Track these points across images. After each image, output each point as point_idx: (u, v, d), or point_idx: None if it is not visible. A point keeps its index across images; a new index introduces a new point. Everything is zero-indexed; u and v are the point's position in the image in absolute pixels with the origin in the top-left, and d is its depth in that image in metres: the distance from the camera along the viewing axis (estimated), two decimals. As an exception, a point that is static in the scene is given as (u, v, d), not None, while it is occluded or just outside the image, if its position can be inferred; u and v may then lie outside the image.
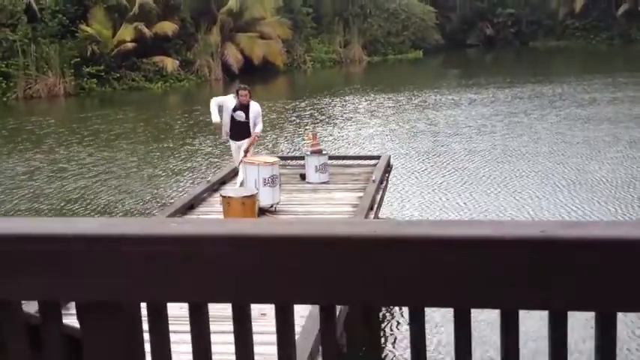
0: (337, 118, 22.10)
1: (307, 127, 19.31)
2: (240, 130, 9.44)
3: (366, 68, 42.21)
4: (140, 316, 1.30)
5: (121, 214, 11.75)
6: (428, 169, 14.37)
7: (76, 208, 12.21)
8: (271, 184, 8.14)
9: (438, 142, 17.60)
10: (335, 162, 10.79)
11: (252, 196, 7.40)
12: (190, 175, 14.62)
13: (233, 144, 9.74)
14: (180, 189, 13.28)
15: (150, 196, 12.95)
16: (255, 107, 9.59)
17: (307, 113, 22.75)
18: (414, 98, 26.04)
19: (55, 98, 27.62)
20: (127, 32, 30.10)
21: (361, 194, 8.78)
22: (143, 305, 1.26)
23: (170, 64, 31.23)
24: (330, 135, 18.88)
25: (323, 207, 8.58)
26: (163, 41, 31.39)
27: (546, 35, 53.55)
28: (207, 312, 1.30)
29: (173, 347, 1.22)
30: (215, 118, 9.41)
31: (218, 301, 1.21)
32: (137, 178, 14.49)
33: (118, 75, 29.78)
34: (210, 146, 17.50)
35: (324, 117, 22.32)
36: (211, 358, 1.28)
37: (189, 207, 8.48)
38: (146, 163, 15.95)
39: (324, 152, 10.06)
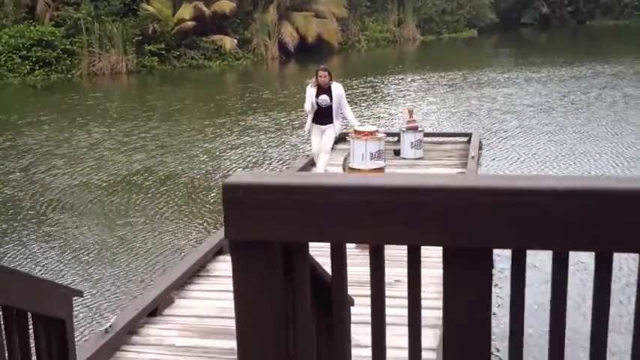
0: (392, 96, 22.25)
1: (362, 105, 19.58)
2: (325, 115, 9.11)
3: (420, 47, 41.94)
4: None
5: (182, 184, 12.30)
6: (494, 146, 14.44)
7: (140, 179, 12.82)
8: (377, 159, 8.16)
9: (496, 120, 17.61)
10: (425, 139, 10.81)
11: (381, 168, 7.29)
12: (246, 149, 15.09)
13: (316, 128, 9.29)
14: (239, 162, 13.79)
15: (210, 168, 13.48)
16: (337, 89, 9.22)
17: (362, 91, 22.96)
18: (469, 76, 25.90)
19: (118, 75, 28.48)
20: (186, 11, 30.71)
21: (458, 170, 9.09)
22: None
23: (228, 42, 31.77)
24: (386, 112, 19.10)
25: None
26: (221, 20, 31.91)
27: (604, 14, 52.00)
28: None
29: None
30: (307, 106, 9.15)
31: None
32: (196, 152, 15.05)
33: (178, 53, 30.46)
34: (265, 122, 17.96)
35: (378, 95, 22.50)
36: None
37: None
38: (204, 137, 16.50)
39: (419, 129, 10.17)
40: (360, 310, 2.59)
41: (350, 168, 7.07)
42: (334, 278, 2.10)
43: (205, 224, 10.02)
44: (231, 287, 5.69)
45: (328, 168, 9.00)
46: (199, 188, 12.07)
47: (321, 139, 9.21)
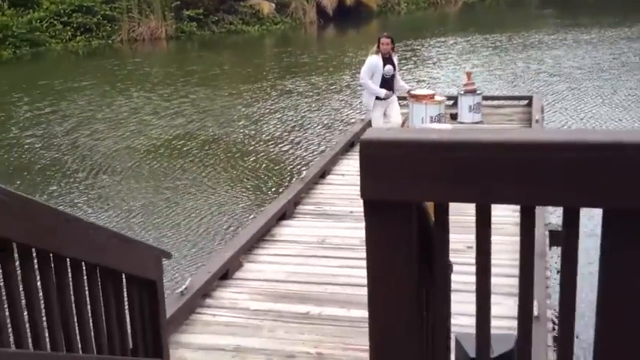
0: (434, 60, 21.85)
1: (403, 69, 19.27)
2: (388, 87, 8.39)
3: (462, 9, 40.99)
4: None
5: (221, 149, 12.31)
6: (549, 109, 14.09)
7: (181, 143, 12.85)
8: (438, 123, 7.96)
9: (544, 82, 17.18)
10: (483, 102, 10.30)
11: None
12: (285, 113, 15.00)
13: (379, 106, 8.45)
14: (278, 126, 13.73)
15: (250, 132, 13.45)
16: (396, 57, 8.59)
17: (402, 54, 22.58)
18: (514, 38, 25.27)
19: (157, 41, 28.44)
20: (223, -25, 30.45)
21: None
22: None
23: (266, 7, 31.45)
24: (428, 76, 18.77)
25: None
26: (259, -16, 31.61)
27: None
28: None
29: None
30: (378, 91, 8.26)
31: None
32: (236, 116, 15.02)
33: (216, 18, 30.28)
34: (304, 86, 17.83)
35: (419, 58, 22.11)
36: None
37: (350, 144, 8.84)
38: (243, 102, 16.45)
39: (477, 92, 9.75)
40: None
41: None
42: (480, 241, 2.00)
43: (245, 188, 10.04)
44: (297, 252, 5.72)
45: None
46: (239, 153, 12.07)
47: (386, 113, 8.40)
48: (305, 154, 11.73)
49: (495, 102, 10.97)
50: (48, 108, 16.34)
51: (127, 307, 3.32)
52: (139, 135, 13.65)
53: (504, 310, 4.08)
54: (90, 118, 15.24)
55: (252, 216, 8.55)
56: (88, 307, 3.01)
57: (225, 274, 5.34)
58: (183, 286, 4.85)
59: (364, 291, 5.20)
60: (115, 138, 13.47)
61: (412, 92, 8.32)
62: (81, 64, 24.23)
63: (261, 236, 6.06)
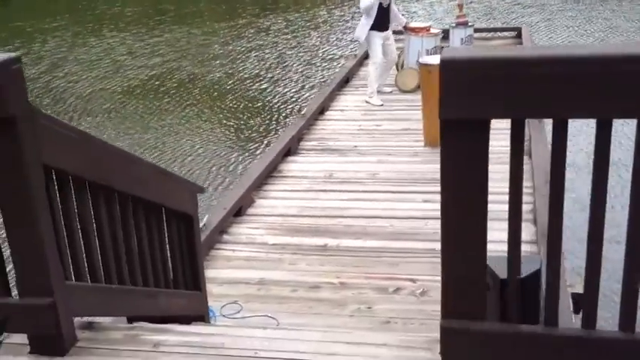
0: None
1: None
2: (385, 18, 7.84)
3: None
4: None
5: (200, 88, 12.19)
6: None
7: (157, 84, 12.64)
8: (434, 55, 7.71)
9: (518, 14, 17.13)
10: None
11: None
12: (262, 50, 14.82)
13: (377, 38, 7.86)
14: (255, 64, 13.58)
15: (228, 70, 13.30)
16: None
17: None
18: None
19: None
20: None
21: None
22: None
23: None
24: (405, 10, 18.58)
25: None
26: None
27: None
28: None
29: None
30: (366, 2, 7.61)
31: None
32: (212, 55, 14.78)
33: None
34: (279, 23, 17.58)
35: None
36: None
37: (346, 80, 8.67)
38: (219, 41, 16.17)
39: (469, 24, 9.56)
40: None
41: (421, 64, 6.61)
42: (555, 153, 2.06)
43: (228, 126, 10.00)
44: (306, 187, 5.77)
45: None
46: (218, 92, 11.97)
47: (382, 49, 7.91)
48: (285, 90, 11.65)
49: (484, 34, 10.96)
50: (19, 50, 15.85)
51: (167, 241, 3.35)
52: (115, 76, 13.39)
53: (524, 236, 4.22)
54: (62, 60, 14.86)
55: (236, 154, 8.55)
56: (134, 239, 3.03)
57: (238, 211, 5.38)
58: (202, 223, 4.87)
59: (378, 222, 5.36)
60: (90, 80, 13.20)
61: (408, 25, 8.23)
62: (50, 5, 23.40)
63: (269, 173, 6.08)
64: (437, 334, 2.22)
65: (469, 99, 2.02)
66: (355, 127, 7.18)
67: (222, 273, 4.63)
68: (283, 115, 10.36)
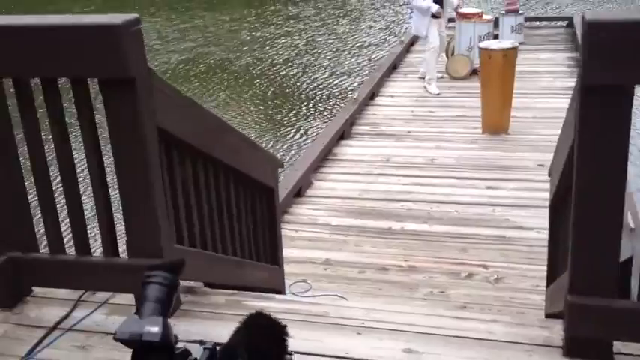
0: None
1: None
2: (439, 3, 7.50)
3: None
4: None
5: (231, 72, 12.15)
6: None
7: (187, 68, 12.63)
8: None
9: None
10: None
11: (513, 48, 6.41)
12: (292, 37, 14.76)
13: (433, 24, 7.53)
14: (285, 49, 13.50)
15: (257, 56, 13.26)
16: None
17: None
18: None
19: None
20: None
21: (568, 54, 8.79)
22: None
23: None
24: None
25: (532, 67, 8.16)
26: None
27: None
28: None
29: None
30: (430, 6, 7.30)
31: None
32: (242, 40, 14.77)
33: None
34: (308, 10, 17.50)
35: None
36: None
37: (393, 67, 8.58)
38: (249, 27, 16.15)
39: (520, 12, 9.35)
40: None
41: (481, 49, 6.42)
42: None
43: (256, 109, 9.93)
44: (364, 170, 5.69)
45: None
46: (247, 76, 11.93)
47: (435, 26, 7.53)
48: (315, 76, 11.56)
49: (532, 23, 10.74)
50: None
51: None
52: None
53: None
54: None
55: (267, 138, 8.49)
56: (228, 208, 3.01)
57: (298, 192, 5.35)
58: (266, 202, 4.84)
59: (443, 208, 5.29)
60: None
61: (460, 11, 8.06)
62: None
63: (325, 156, 6.04)
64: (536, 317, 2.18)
65: (615, 63, 1.94)
66: (407, 113, 7.11)
67: (287, 252, 4.57)
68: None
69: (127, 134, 2.26)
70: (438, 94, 7.50)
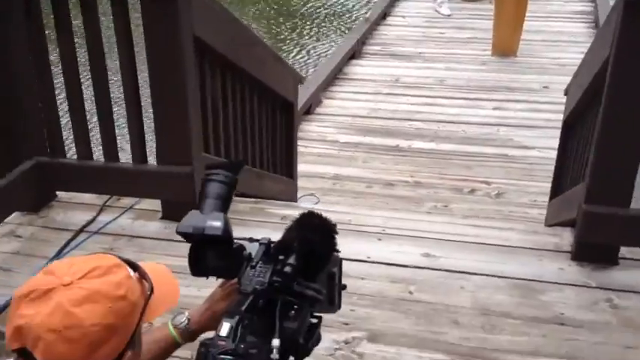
0: None
1: None
2: None
3: None
4: None
5: None
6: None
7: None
8: None
9: None
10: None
11: None
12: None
13: None
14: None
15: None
16: None
17: None
18: None
19: None
20: None
21: None
22: None
23: None
24: None
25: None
26: None
27: None
28: None
29: None
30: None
31: None
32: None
33: None
34: None
35: None
36: None
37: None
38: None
39: None
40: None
41: None
42: None
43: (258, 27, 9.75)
44: (374, 90, 5.74)
45: None
46: None
47: None
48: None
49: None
50: None
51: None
52: None
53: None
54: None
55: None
56: (253, 120, 3.09)
57: (308, 109, 5.40)
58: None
59: (450, 127, 5.35)
60: None
61: None
62: None
63: (335, 75, 6.06)
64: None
65: None
66: (419, 34, 7.06)
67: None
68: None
69: (166, 42, 2.30)
70: (449, 15, 7.43)
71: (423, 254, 2.41)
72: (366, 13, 8.33)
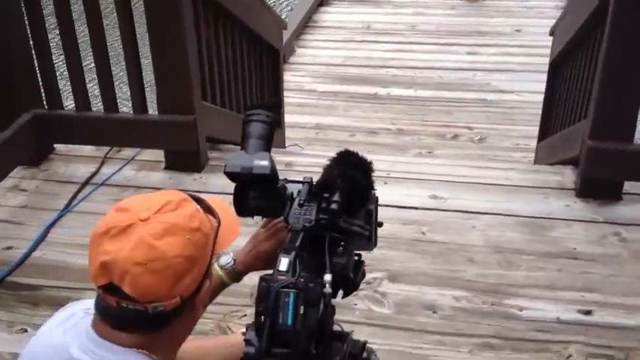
0: None
1: None
2: None
3: None
4: None
5: None
6: None
7: None
8: None
9: None
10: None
11: None
12: None
13: None
14: None
15: None
16: None
17: None
18: None
19: None
20: None
21: None
22: None
23: None
24: None
25: None
26: None
27: None
28: None
29: None
30: None
31: None
32: None
33: None
34: None
35: None
36: None
37: None
38: None
39: None
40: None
41: None
42: None
43: None
44: (346, 37, 5.77)
45: None
46: None
47: None
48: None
49: None
50: None
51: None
52: None
53: None
54: None
55: None
56: (243, 67, 3.03)
57: (282, 59, 5.32)
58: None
59: (426, 73, 5.36)
60: None
61: None
62: None
63: (305, 23, 5.96)
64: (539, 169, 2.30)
65: None
66: (385, -21, 7.00)
67: (276, 118, 4.65)
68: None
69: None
70: None
71: (431, 196, 2.43)
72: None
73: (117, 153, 2.68)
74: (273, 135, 1.39)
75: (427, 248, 2.18)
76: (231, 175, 1.32)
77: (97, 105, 2.62)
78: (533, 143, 3.98)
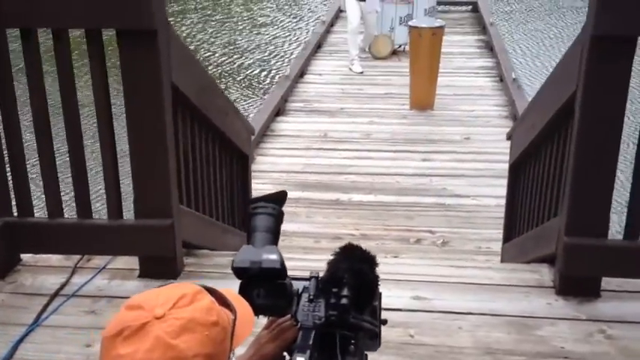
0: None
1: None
2: None
3: None
4: None
5: None
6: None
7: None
8: (406, 24, 7.64)
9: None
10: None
11: (441, 27, 6.65)
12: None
13: (352, 4, 7.57)
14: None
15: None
16: None
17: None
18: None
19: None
20: None
21: (479, 37, 9.27)
22: None
23: None
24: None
25: (446, 48, 8.00)
26: None
27: None
28: None
29: None
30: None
31: None
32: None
33: None
34: None
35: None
36: None
37: (318, 46, 8.66)
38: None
39: None
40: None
41: (411, 27, 6.53)
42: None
43: None
44: (304, 145, 5.96)
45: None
46: None
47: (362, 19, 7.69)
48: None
49: (441, 7, 11.00)
50: None
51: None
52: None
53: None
54: None
55: None
56: (219, 173, 3.02)
57: (242, 168, 5.36)
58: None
59: (385, 179, 5.56)
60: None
61: None
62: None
63: (263, 132, 6.07)
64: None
65: (624, 14, 2.10)
66: (338, 91, 7.24)
67: (241, 224, 4.62)
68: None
69: (145, 91, 2.23)
70: (361, 72, 7.67)
71: (414, 297, 2.40)
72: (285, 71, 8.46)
73: (87, 262, 2.57)
74: (280, 228, 1.37)
75: (417, 351, 2.13)
76: (239, 271, 1.28)
77: (67, 210, 2.54)
78: (495, 246, 4.05)
